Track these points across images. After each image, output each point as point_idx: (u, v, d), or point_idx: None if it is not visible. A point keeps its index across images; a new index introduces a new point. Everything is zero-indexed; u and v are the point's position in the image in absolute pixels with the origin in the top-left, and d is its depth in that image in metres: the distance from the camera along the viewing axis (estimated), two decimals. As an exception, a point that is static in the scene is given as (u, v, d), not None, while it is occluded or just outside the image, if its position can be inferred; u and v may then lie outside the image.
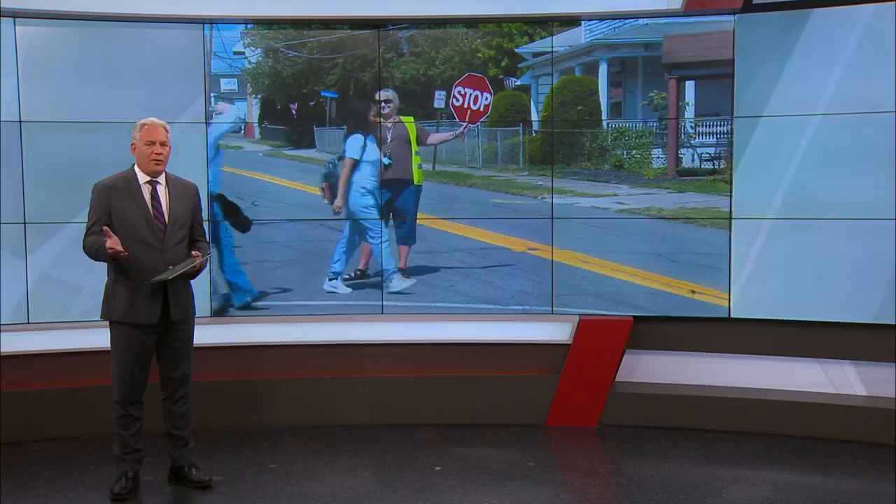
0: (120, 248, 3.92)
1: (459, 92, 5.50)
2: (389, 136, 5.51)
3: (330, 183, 5.54)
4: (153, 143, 4.06)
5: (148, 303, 4.04)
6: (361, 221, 5.53)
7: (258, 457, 4.76)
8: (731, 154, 5.28)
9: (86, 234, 4.06)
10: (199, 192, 4.33)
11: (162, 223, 4.09)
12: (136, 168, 4.12)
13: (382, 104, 5.47)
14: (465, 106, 5.51)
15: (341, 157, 5.53)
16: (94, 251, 4.02)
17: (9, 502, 4.12)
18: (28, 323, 5.17)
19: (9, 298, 5.13)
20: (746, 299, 5.28)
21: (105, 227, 3.96)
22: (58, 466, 4.62)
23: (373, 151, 5.51)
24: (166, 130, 4.12)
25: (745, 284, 5.28)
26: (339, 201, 5.51)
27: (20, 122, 5.11)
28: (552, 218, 5.49)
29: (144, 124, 4.09)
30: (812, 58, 5.06)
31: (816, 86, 5.06)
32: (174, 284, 4.08)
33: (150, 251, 4.04)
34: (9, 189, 5.11)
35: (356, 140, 5.52)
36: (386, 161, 5.51)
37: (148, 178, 4.11)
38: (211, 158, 5.40)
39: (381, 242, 5.52)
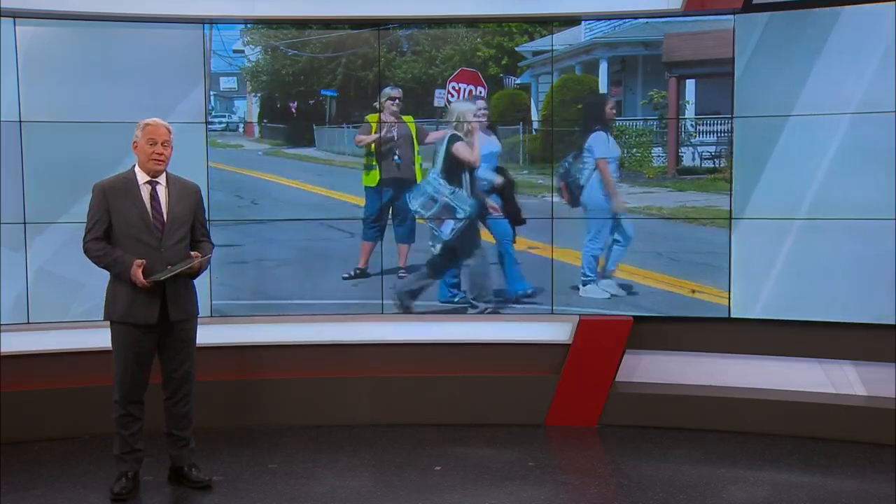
0: (148, 284, 3.99)
1: (454, 87, 5.49)
2: (396, 135, 5.50)
3: (567, 182, 5.43)
4: (155, 142, 4.07)
5: (147, 303, 4.05)
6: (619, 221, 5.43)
7: (258, 457, 4.76)
8: (731, 153, 5.28)
9: (86, 235, 4.08)
10: (201, 192, 4.34)
11: (160, 223, 4.10)
12: (137, 168, 4.13)
13: (395, 101, 5.46)
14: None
15: (576, 156, 5.42)
16: (108, 265, 4.06)
17: (9, 502, 4.12)
18: (28, 323, 5.17)
19: (8, 296, 5.13)
20: (777, 301, 5.21)
21: (142, 262, 3.99)
22: (58, 466, 4.63)
23: (615, 147, 5.41)
24: (169, 131, 4.13)
25: (774, 286, 5.22)
26: (617, 203, 5.39)
27: (20, 122, 5.11)
28: (552, 217, 5.48)
29: (148, 124, 4.11)
30: (830, 58, 5.02)
31: (825, 87, 5.03)
32: (173, 285, 4.09)
33: (148, 251, 4.05)
34: (9, 189, 5.10)
35: (600, 137, 5.40)
36: (397, 160, 5.50)
37: (148, 179, 4.11)
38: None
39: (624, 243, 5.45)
